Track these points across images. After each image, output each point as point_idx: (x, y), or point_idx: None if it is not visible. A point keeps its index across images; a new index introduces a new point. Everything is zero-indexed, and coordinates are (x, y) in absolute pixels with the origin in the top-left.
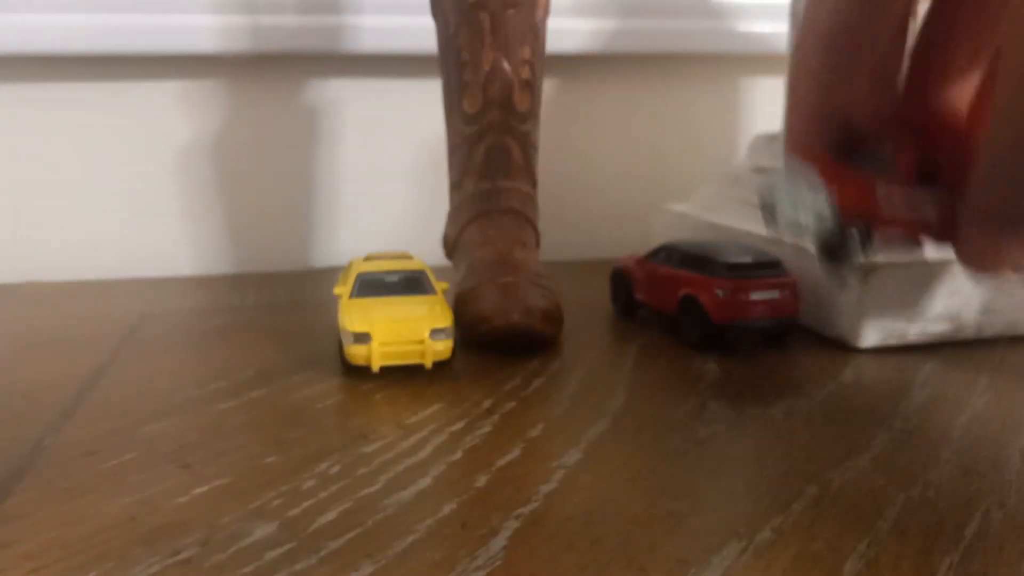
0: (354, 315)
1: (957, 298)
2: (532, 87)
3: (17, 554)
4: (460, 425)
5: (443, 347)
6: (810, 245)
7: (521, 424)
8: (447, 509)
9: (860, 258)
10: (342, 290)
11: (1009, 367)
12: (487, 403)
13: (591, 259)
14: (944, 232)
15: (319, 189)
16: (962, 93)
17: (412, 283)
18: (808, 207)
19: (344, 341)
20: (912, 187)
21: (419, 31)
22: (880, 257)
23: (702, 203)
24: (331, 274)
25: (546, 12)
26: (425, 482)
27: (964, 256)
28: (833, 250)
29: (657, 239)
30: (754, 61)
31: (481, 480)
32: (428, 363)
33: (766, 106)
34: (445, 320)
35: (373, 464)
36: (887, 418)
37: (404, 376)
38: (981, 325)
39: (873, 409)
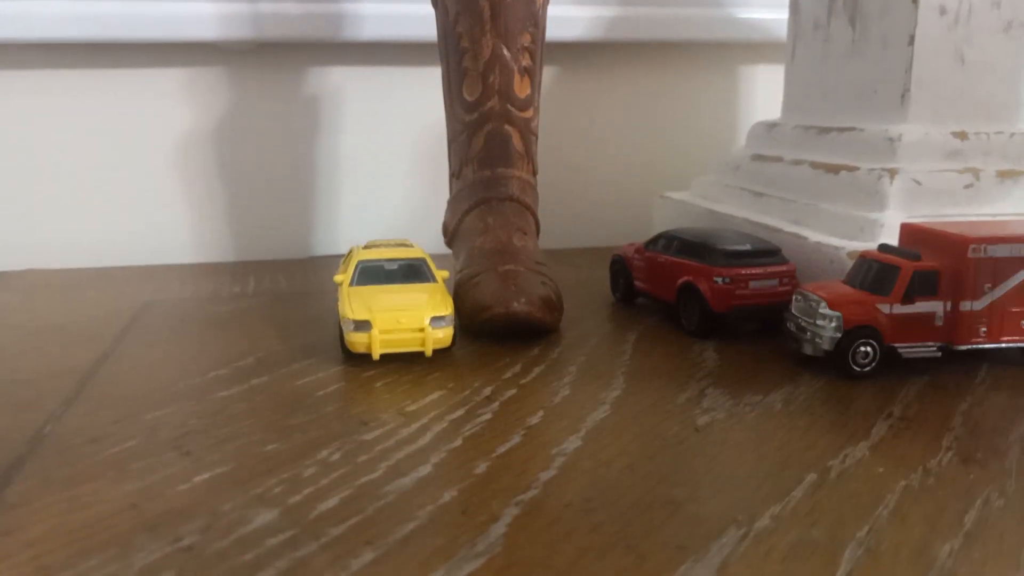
0: (354, 303)
1: None
2: (532, 74)
3: (20, 542)
4: (460, 412)
5: (443, 335)
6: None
7: (521, 411)
8: (447, 496)
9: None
10: (342, 278)
11: (1008, 355)
12: (487, 390)
13: (591, 247)
14: (949, 334)
15: (320, 176)
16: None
17: (412, 271)
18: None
19: (344, 329)
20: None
21: (419, 18)
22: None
23: (701, 191)
24: (332, 262)
25: (546, 0)
26: (425, 469)
27: None
28: (842, 359)
29: (657, 227)
30: (754, 49)
31: (481, 467)
32: (428, 351)
33: (765, 94)
34: (445, 308)
35: (374, 451)
36: (886, 405)
37: (404, 364)
38: None
39: (872, 396)
